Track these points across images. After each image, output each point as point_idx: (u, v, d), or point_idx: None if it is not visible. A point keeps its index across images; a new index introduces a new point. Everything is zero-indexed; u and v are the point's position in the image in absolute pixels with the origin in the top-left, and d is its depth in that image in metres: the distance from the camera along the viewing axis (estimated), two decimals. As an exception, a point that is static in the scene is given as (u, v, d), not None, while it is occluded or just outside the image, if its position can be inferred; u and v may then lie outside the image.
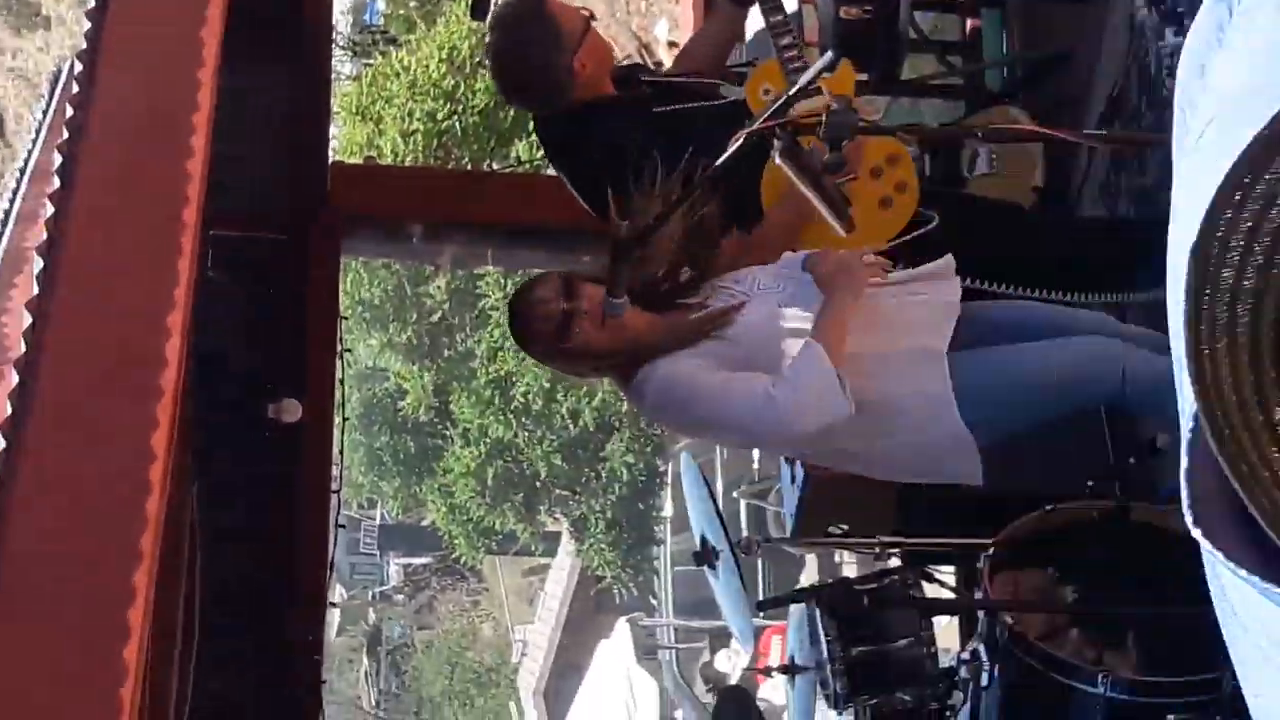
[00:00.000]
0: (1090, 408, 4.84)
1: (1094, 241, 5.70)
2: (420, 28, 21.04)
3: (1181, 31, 5.31)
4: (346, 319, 7.69)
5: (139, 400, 3.25)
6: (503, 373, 19.80)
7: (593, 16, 4.98)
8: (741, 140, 3.95)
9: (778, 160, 3.97)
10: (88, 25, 4.11)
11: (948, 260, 4.63)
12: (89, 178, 3.69)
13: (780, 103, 3.99)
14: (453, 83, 18.29)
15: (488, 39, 5.07)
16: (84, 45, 4.07)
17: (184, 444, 6.28)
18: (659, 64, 16.89)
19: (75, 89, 3.98)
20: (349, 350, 7.73)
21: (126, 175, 3.79)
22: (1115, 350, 4.49)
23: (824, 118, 3.93)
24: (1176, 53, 5.33)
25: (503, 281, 18.01)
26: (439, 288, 19.70)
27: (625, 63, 5.54)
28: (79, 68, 4.05)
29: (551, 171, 5.62)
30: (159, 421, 3.26)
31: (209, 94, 3.98)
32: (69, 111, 3.86)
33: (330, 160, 7.78)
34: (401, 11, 24.48)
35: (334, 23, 23.57)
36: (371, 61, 23.02)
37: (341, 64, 24.81)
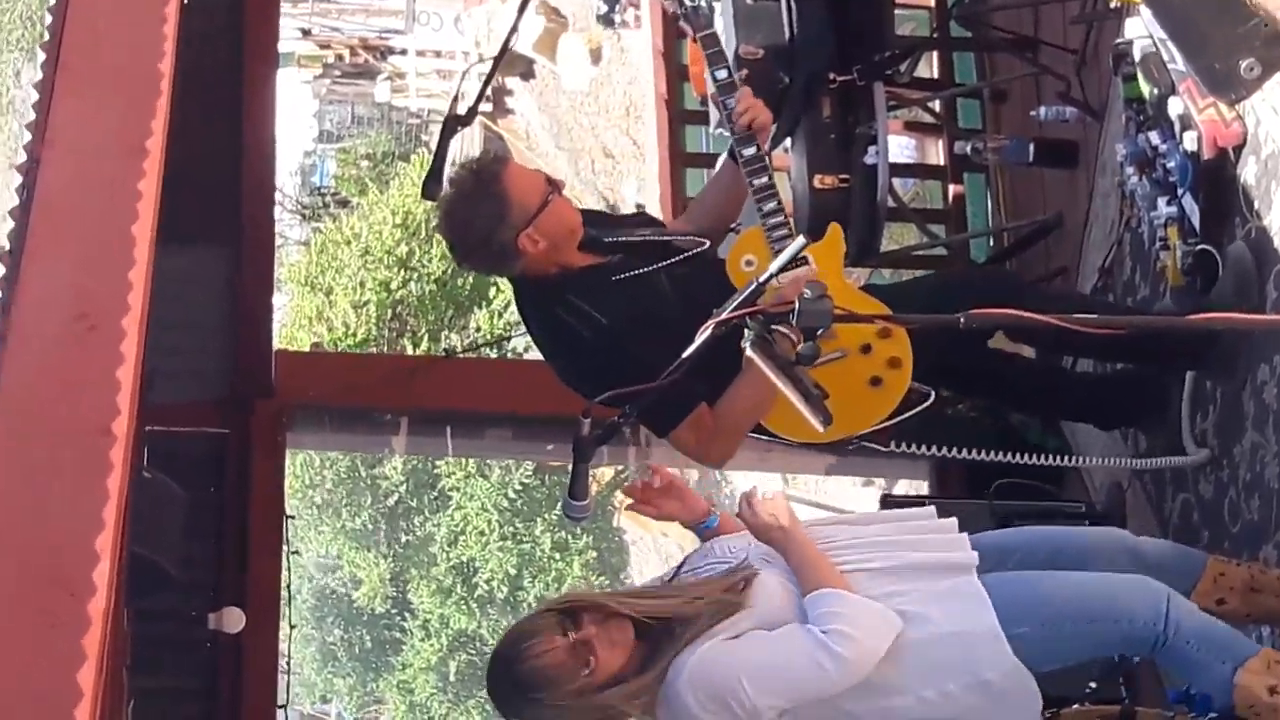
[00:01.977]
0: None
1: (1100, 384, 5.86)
2: (372, 190, 21.18)
3: (1174, 201, 5.38)
4: (293, 518, 7.65)
5: (65, 633, 3.22)
6: (464, 558, 19.74)
7: (558, 187, 4.99)
8: (710, 331, 3.95)
9: (748, 352, 3.96)
10: (10, 224, 4.12)
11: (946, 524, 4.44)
12: (9, 389, 3.69)
13: (752, 290, 3.99)
14: (407, 249, 18.40)
15: (444, 194, 5.10)
16: (5, 243, 4.08)
17: (117, 663, 6.23)
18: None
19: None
20: (296, 552, 7.68)
21: (51, 385, 3.77)
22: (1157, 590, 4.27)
23: (797, 306, 3.92)
24: (1170, 222, 5.40)
25: (464, 461, 17.99)
26: (395, 469, 19.67)
27: (590, 210, 5.52)
28: (1, 269, 4.05)
29: (510, 354, 5.61)
30: (86, 654, 3.23)
31: (141, 294, 3.98)
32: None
33: (274, 349, 7.79)
34: (353, 173, 24.70)
35: (280, 185, 23.84)
36: (321, 226, 23.16)
37: (289, 228, 24.96)
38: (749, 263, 4.94)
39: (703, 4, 5.03)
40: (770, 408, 4.79)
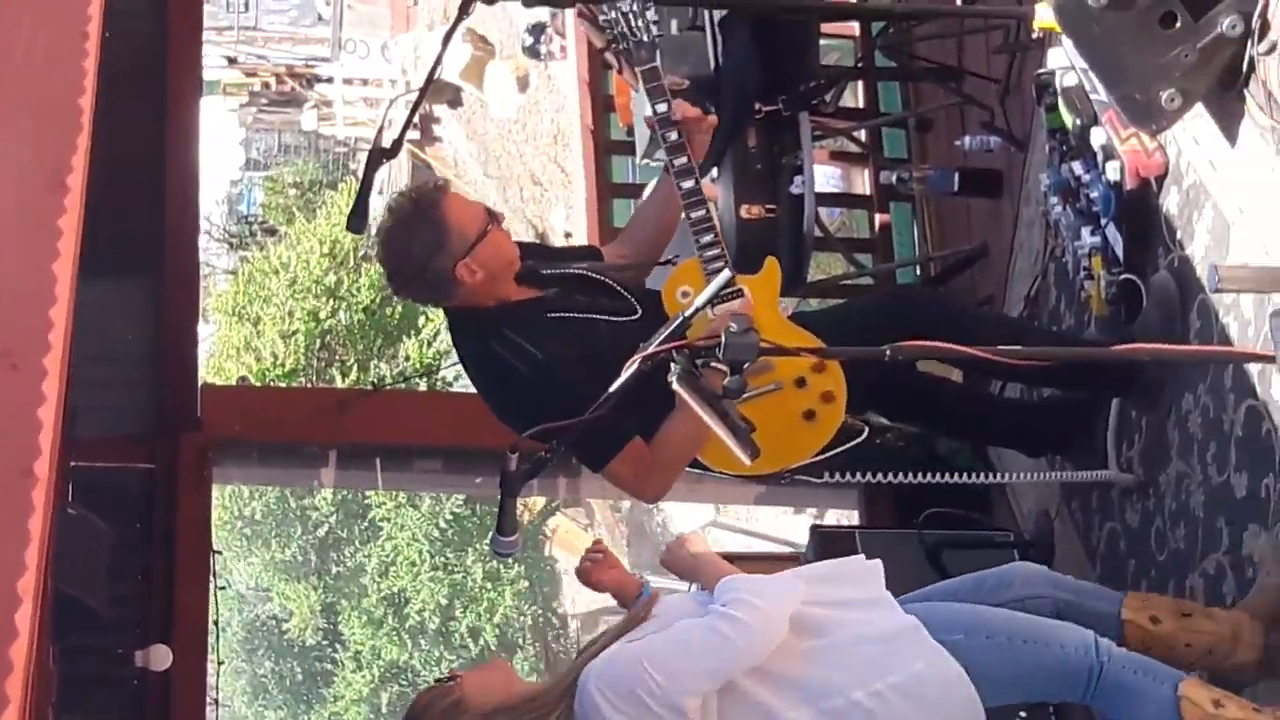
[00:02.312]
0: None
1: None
2: (300, 219, 21.12)
3: (1098, 230, 5.42)
4: (220, 553, 7.61)
5: (-15, 677, 3.20)
6: (396, 589, 19.68)
7: (497, 219, 4.99)
8: (636, 365, 3.96)
9: (674, 386, 3.97)
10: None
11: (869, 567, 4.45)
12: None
13: (678, 323, 4.01)
14: (335, 278, 18.36)
15: (382, 221, 5.09)
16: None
17: (43, 702, 6.18)
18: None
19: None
20: (224, 587, 7.64)
21: (-30, 427, 3.75)
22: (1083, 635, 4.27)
23: (723, 339, 3.93)
24: (1094, 252, 5.44)
25: (395, 493, 17.94)
26: (325, 499, 19.60)
27: (528, 242, 5.51)
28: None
29: (440, 383, 5.59)
30: (9, 698, 3.22)
31: (63, 332, 3.96)
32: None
33: (200, 382, 7.75)
34: (280, 201, 24.63)
35: (207, 214, 23.74)
36: (248, 255, 23.08)
37: (216, 257, 24.86)
38: (685, 294, 4.94)
39: (645, 39, 5.03)
40: (706, 441, 4.80)
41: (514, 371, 4.86)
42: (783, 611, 4.02)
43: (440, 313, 15.30)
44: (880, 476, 5.44)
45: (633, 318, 5.02)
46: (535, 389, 4.78)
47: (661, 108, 5.00)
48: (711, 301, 4.78)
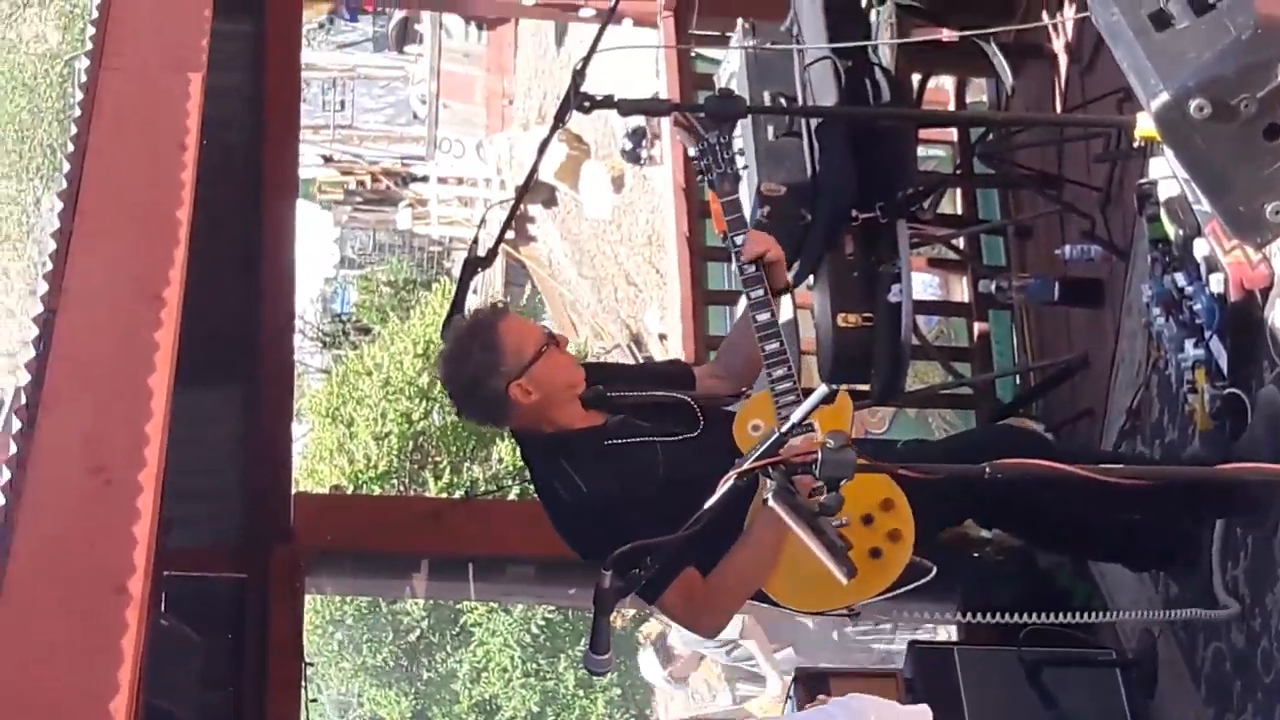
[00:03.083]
0: None
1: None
2: (393, 319, 21.25)
3: (1201, 343, 5.40)
4: (312, 664, 7.64)
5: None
6: (487, 695, 19.63)
7: (558, 341, 5.05)
8: (731, 482, 3.97)
9: (770, 503, 3.97)
10: (27, 376, 4.17)
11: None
12: (24, 546, 3.72)
13: (773, 440, 4.02)
14: (428, 379, 18.43)
15: (442, 345, 5.17)
16: (22, 397, 4.12)
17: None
18: (649, 358, 17.04)
19: (15, 428, 4.03)
20: (315, 700, 7.66)
21: (66, 543, 3.80)
22: None
23: (819, 455, 3.94)
24: (1197, 365, 5.41)
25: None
26: (416, 604, 19.62)
27: (611, 364, 5.56)
28: (18, 422, 4.09)
29: (530, 490, 5.63)
30: (100, 818, 3.25)
31: (158, 447, 4.02)
32: (3, 471, 3.89)
33: (294, 490, 7.82)
34: (374, 300, 24.80)
35: (301, 312, 23.94)
36: (342, 354, 23.23)
37: (310, 356, 25.04)
38: (755, 427, 4.95)
39: (730, 171, 5.09)
40: (770, 573, 4.81)
41: (560, 501, 4.94)
42: None
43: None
44: (987, 617, 5.37)
45: (691, 434, 5.06)
46: (579, 520, 4.88)
47: (740, 240, 5.05)
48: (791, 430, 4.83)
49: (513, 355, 4.94)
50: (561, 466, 4.94)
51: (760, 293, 4.98)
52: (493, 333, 4.97)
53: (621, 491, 4.78)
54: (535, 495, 5.23)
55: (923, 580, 4.92)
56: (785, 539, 4.61)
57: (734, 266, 5.34)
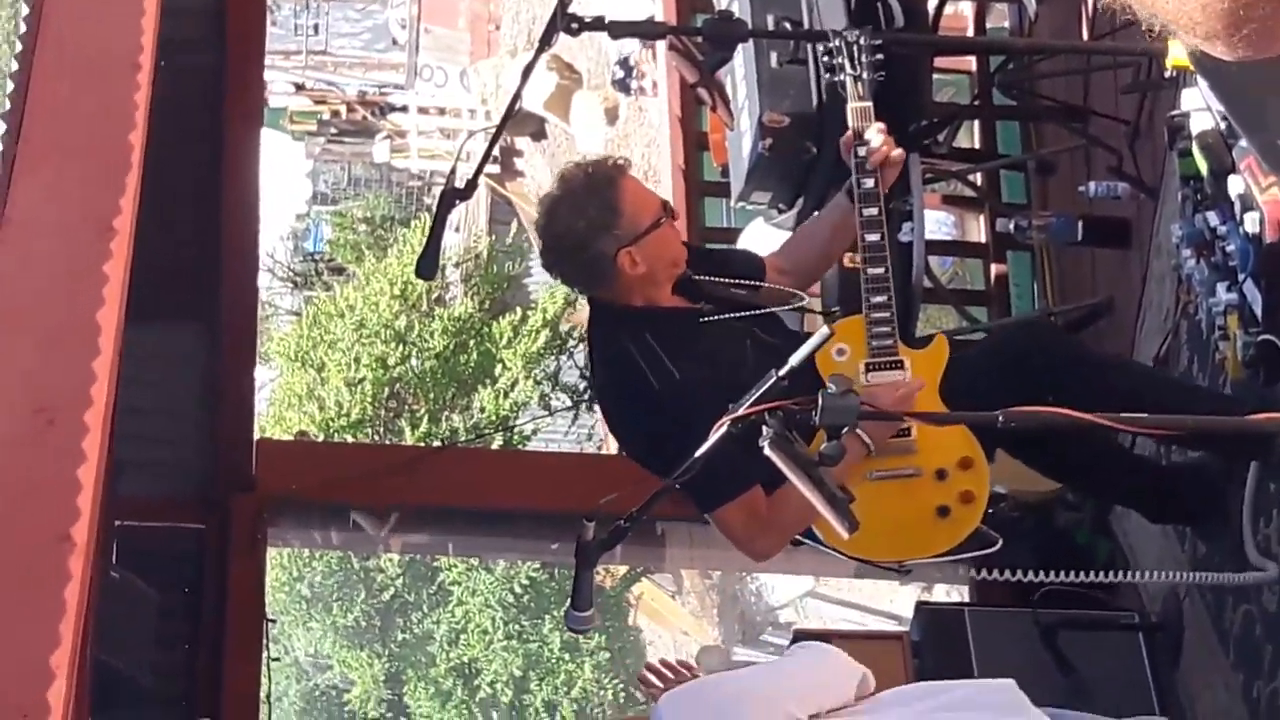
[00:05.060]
0: None
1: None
2: (369, 258, 21.20)
3: (1234, 287, 5.35)
4: (274, 621, 7.62)
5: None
6: (466, 659, 19.66)
7: (672, 214, 4.98)
8: (725, 428, 3.93)
9: (766, 451, 3.94)
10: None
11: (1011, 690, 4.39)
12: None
13: (771, 383, 3.97)
14: (406, 323, 18.39)
15: (550, 190, 5.08)
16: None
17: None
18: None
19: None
20: (277, 659, 7.64)
21: (4, 488, 3.76)
22: None
23: (820, 402, 3.90)
24: (1230, 310, 5.37)
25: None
26: (390, 561, 19.63)
27: (694, 245, 5.51)
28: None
29: (517, 437, 5.58)
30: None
31: (106, 386, 3.98)
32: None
33: (256, 437, 7.78)
34: (349, 238, 24.74)
35: (271, 250, 23.88)
36: (314, 295, 23.19)
37: (280, 297, 25.00)
38: (841, 351, 4.91)
39: (866, 76, 5.05)
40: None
41: (642, 382, 4.84)
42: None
43: (518, 362, 15.23)
44: (993, 574, 5.32)
45: (774, 340, 4.99)
46: (657, 410, 4.78)
47: (862, 152, 4.97)
48: (869, 368, 4.79)
49: (630, 220, 4.88)
50: (650, 346, 4.87)
51: (874, 211, 4.93)
52: (614, 191, 4.90)
53: (714, 377, 4.68)
54: (527, 438, 5.21)
55: (988, 551, 4.90)
56: (851, 473, 4.59)
57: (742, 190, 5.28)
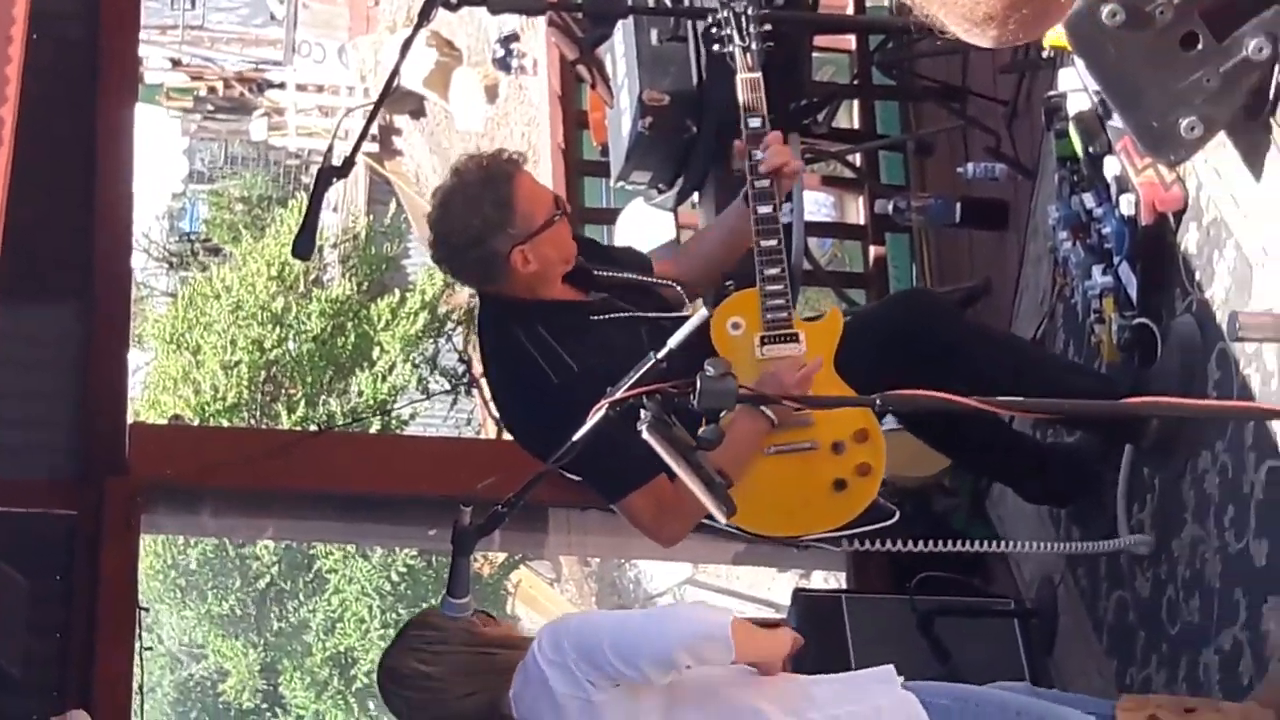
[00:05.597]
0: None
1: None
2: (246, 238, 21.06)
3: (1110, 270, 5.42)
4: (147, 610, 7.59)
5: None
6: (342, 648, 19.56)
7: (565, 210, 4.98)
8: (603, 411, 3.96)
9: (644, 435, 3.96)
10: None
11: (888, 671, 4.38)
12: None
13: (649, 365, 4.00)
14: (283, 304, 18.29)
15: (444, 183, 5.07)
16: None
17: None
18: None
19: None
20: (149, 648, 7.61)
21: None
22: None
23: (698, 385, 3.92)
24: (1105, 293, 5.45)
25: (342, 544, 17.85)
26: (266, 548, 19.52)
27: (583, 238, 5.52)
28: None
29: (395, 422, 5.58)
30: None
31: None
32: None
33: (129, 421, 7.73)
34: (226, 218, 24.56)
35: (146, 230, 23.67)
36: (190, 276, 23.01)
37: (154, 278, 24.79)
38: (736, 325, 4.95)
39: (756, 46, 5.06)
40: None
41: (538, 375, 4.89)
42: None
43: (396, 345, 15.15)
44: (881, 544, 5.37)
45: (670, 316, 5.02)
46: (555, 403, 4.78)
47: (755, 123, 5.00)
48: (764, 341, 4.83)
49: (524, 218, 4.90)
50: (542, 337, 4.89)
51: (766, 183, 4.96)
52: (509, 188, 4.90)
53: (610, 365, 4.71)
54: (405, 422, 5.21)
55: (884, 523, 4.94)
56: (752, 454, 4.65)
57: (622, 170, 5.28)
